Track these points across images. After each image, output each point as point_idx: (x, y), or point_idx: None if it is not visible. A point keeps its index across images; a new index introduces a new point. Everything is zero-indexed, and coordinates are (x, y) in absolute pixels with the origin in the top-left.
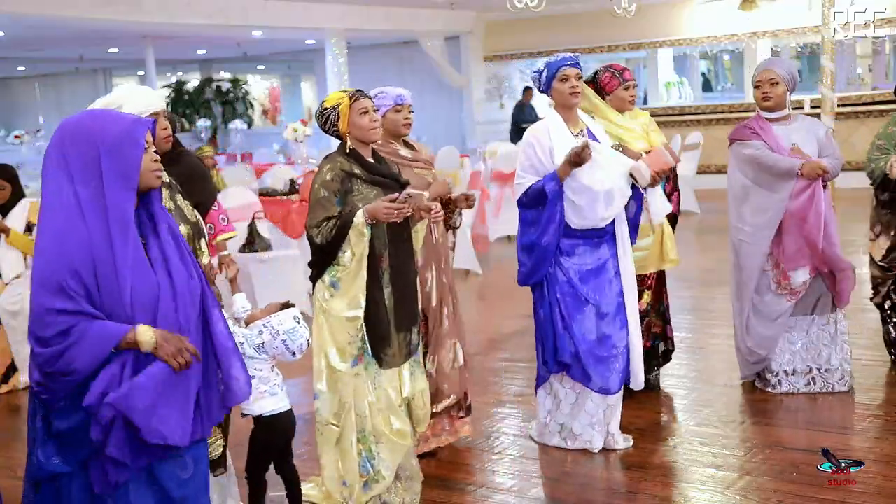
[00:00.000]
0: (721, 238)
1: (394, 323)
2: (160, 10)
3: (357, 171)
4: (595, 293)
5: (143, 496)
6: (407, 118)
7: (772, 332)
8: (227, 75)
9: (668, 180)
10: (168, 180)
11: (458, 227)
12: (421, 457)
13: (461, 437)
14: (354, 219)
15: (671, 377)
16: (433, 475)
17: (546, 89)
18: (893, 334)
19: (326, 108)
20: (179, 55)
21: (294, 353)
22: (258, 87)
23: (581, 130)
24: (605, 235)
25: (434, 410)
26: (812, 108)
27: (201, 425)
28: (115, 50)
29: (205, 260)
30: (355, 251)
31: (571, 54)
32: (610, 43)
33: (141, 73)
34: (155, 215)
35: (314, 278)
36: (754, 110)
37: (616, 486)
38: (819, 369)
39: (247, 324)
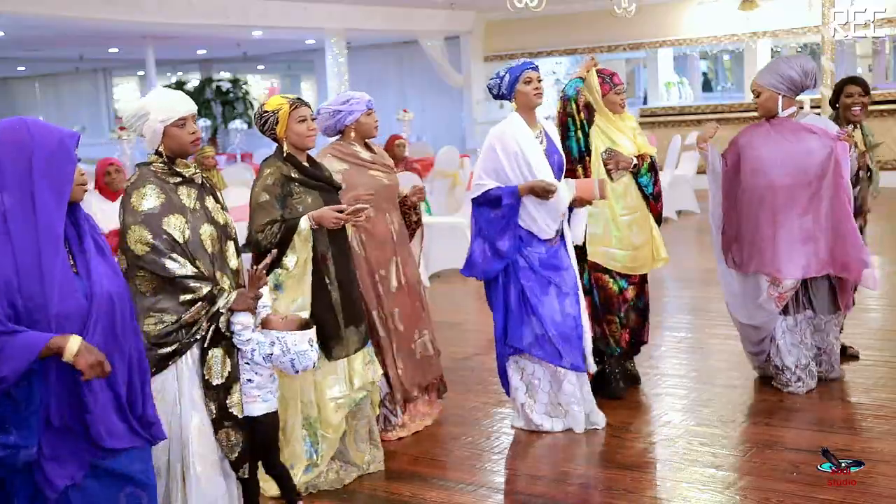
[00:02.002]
0: None
1: (343, 317)
2: (160, 10)
3: (295, 175)
4: (555, 275)
5: (94, 494)
6: (376, 120)
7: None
8: (227, 75)
9: (656, 182)
10: (201, 181)
11: (420, 225)
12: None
13: (434, 419)
14: (300, 224)
15: (671, 377)
16: (433, 475)
17: (508, 93)
18: None
19: (266, 112)
20: (179, 55)
21: (297, 371)
22: (258, 87)
23: (539, 131)
24: (552, 236)
25: (413, 396)
26: (812, 108)
27: (134, 431)
28: (115, 50)
29: (233, 264)
30: (300, 256)
31: (531, 60)
32: (610, 43)
33: (141, 73)
34: (80, 225)
35: None
36: (755, 110)
37: (616, 486)
38: (823, 350)
39: (262, 325)
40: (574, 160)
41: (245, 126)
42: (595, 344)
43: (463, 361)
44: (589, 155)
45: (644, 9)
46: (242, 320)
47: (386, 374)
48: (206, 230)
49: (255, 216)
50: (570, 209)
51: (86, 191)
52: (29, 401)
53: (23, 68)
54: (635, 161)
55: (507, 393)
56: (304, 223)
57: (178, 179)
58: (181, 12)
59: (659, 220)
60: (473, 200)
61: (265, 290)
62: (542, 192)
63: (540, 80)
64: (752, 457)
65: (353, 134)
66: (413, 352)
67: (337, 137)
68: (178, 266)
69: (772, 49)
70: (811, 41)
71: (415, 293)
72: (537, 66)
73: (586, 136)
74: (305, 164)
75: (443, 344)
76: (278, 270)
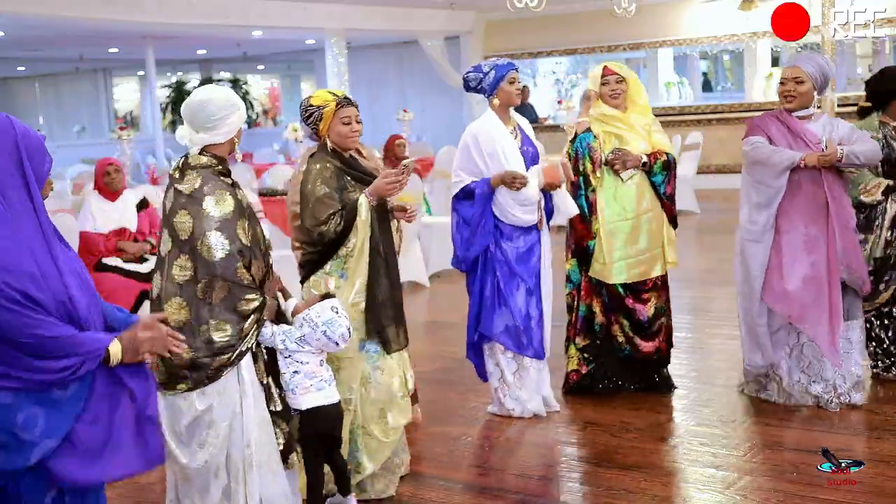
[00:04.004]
0: (721, 238)
1: (392, 314)
2: (160, 10)
3: (344, 168)
4: (526, 272)
5: None
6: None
7: (772, 342)
8: (227, 75)
9: (669, 182)
10: (233, 180)
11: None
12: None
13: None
14: (360, 204)
15: (671, 377)
16: (433, 475)
17: (490, 89)
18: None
19: (311, 106)
20: (179, 55)
21: (337, 343)
22: (258, 87)
23: (514, 128)
24: (533, 223)
25: None
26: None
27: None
28: (115, 50)
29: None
30: (359, 237)
31: (513, 61)
32: (610, 43)
33: (141, 73)
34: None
35: (307, 276)
36: (755, 110)
37: (616, 486)
38: (827, 383)
39: (292, 315)
40: (584, 217)
41: (245, 126)
42: (601, 342)
43: (463, 361)
44: (595, 214)
45: (644, 9)
46: (264, 330)
47: None
48: (259, 229)
49: (316, 210)
50: (547, 195)
51: (51, 189)
52: (72, 397)
53: (23, 68)
54: (645, 159)
55: (480, 377)
56: (363, 199)
57: (231, 180)
58: (181, 12)
59: (673, 222)
60: (453, 198)
61: (332, 281)
62: (510, 182)
63: (519, 81)
64: (752, 457)
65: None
66: None
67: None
68: (244, 273)
69: (772, 49)
70: (811, 41)
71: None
72: (518, 67)
73: (594, 192)
74: (349, 158)
75: (443, 344)
76: (341, 258)
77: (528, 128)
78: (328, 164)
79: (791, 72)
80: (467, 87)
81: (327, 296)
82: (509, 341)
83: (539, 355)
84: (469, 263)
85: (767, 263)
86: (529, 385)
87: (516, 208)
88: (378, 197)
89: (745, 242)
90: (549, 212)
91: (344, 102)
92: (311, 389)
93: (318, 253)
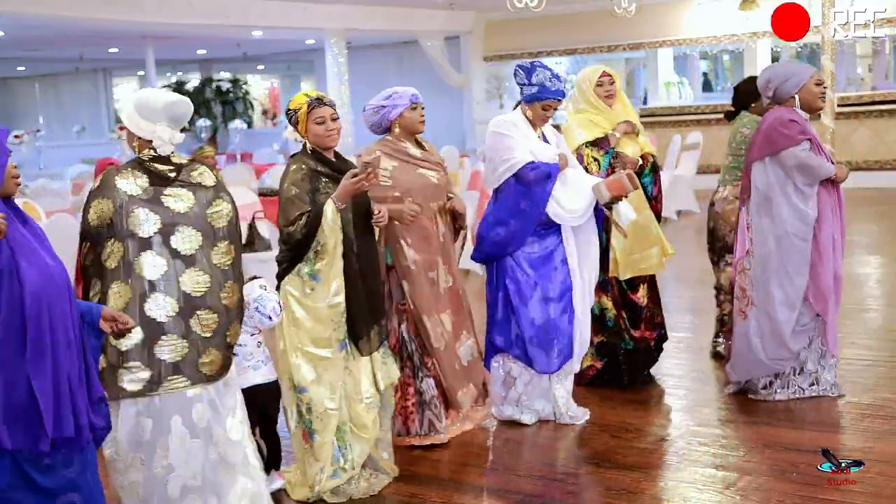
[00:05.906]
0: None
1: (368, 312)
2: (160, 10)
3: (322, 169)
4: (542, 279)
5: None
6: (422, 115)
7: (800, 338)
8: (227, 75)
9: (655, 183)
10: (216, 175)
11: (464, 228)
12: (436, 447)
13: (478, 424)
14: (325, 209)
15: (671, 377)
16: (434, 475)
17: (526, 101)
18: None
19: (289, 110)
20: (179, 55)
21: (270, 317)
22: (258, 87)
23: (539, 135)
24: (550, 227)
25: (461, 402)
26: None
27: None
28: (115, 50)
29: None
30: (329, 240)
31: (562, 88)
32: (610, 43)
33: (141, 73)
34: (19, 211)
35: (283, 274)
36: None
37: (616, 486)
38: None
39: None
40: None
41: (245, 126)
42: (612, 335)
43: None
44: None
45: (644, 9)
46: None
47: (435, 378)
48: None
49: (286, 211)
50: (609, 207)
51: (18, 185)
52: None
53: (23, 68)
54: (640, 161)
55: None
56: (328, 205)
57: None
58: (181, 12)
59: (658, 218)
60: (519, 176)
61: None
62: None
63: (556, 109)
64: (752, 457)
65: (397, 130)
66: (458, 356)
67: (386, 135)
68: None
69: (772, 49)
70: (811, 41)
71: (459, 296)
72: (563, 97)
73: None
74: (332, 159)
75: None
76: (312, 260)
77: (557, 138)
78: (303, 166)
79: (820, 76)
80: (518, 82)
81: (253, 277)
82: (515, 353)
83: (548, 371)
84: (505, 253)
85: (810, 261)
86: (539, 392)
87: (571, 205)
88: (344, 199)
89: (792, 240)
90: (598, 218)
91: (316, 103)
92: (249, 370)
93: (290, 252)
